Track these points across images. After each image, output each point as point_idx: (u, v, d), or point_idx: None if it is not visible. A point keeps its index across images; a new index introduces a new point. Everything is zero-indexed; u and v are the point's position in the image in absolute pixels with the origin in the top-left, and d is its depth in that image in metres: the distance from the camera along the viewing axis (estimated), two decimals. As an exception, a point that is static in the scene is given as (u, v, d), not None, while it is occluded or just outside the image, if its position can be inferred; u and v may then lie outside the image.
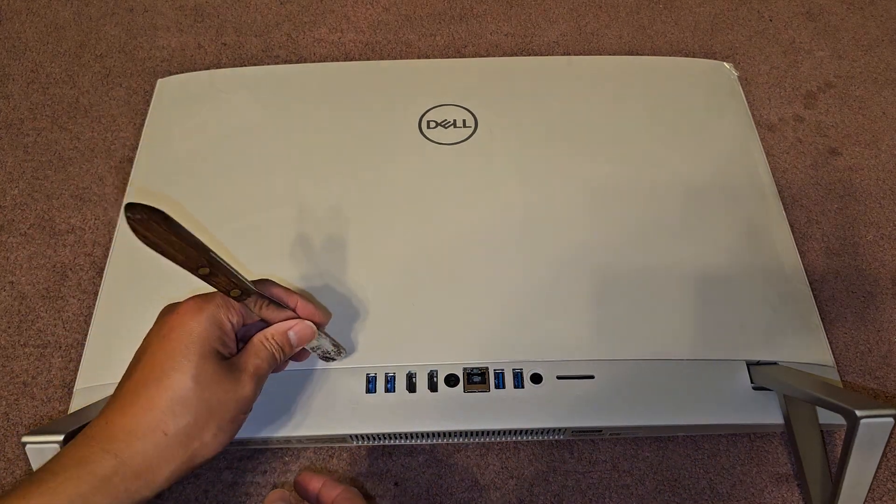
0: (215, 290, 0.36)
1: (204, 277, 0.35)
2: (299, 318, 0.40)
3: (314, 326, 0.41)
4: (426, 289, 0.49)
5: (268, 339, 0.39)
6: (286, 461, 0.48)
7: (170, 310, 0.38)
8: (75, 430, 0.38)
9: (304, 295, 0.43)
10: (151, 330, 0.38)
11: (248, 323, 0.40)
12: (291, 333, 0.40)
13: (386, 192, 0.54)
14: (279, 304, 0.40)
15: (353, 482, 0.47)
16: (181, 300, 0.39)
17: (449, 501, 0.46)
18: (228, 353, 0.38)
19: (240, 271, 0.36)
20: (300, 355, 0.43)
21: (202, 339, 0.35)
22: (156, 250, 0.32)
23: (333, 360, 0.45)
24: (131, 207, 0.29)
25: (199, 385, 0.34)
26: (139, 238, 0.31)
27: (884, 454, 0.39)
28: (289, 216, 0.53)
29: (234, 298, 0.37)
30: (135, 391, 0.34)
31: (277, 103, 0.61)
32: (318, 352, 0.44)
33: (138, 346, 0.38)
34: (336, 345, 0.44)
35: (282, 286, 0.41)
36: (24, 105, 0.67)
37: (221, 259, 0.35)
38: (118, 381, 0.45)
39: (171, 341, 0.35)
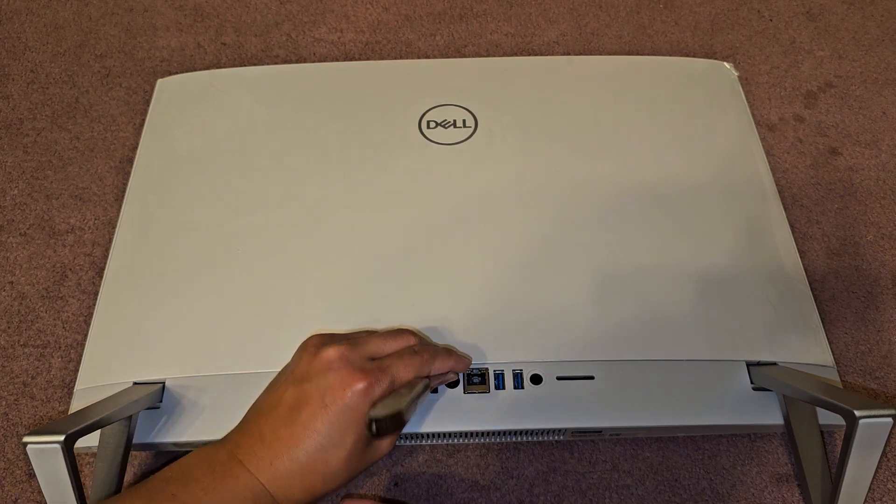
0: (386, 357, 0.40)
1: None
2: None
3: (456, 373, 0.44)
4: (425, 289, 0.49)
5: None
6: (286, 461, 0.48)
7: (339, 376, 0.38)
8: (76, 430, 0.38)
9: (450, 349, 0.45)
10: (314, 378, 0.38)
11: None
12: (435, 381, 0.43)
13: (386, 192, 0.54)
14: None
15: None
16: (351, 348, 0.39)
17: (449, 502, 0.46)
18: None
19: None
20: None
21: (361, 424, 0.37)
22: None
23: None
24: (377, 426, 0.35)
25: (349, 462, 0.38)
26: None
27: (883, 454, 0.40)
28: (288, 216, 0.53)
29: None
30: (294, 447, 0.37)
31: (277, 103, 0.61)
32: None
33: (297, 365, 0.39)
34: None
35: (446, 351, 0.44)
36: (24, 105, 0.67)
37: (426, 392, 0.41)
38: (118, 381, 0.46)
39: (332, 416, 0.37)
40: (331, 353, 0.39)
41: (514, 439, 0.48)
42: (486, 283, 0.49)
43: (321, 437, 0.36)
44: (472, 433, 0.46)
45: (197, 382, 0.45)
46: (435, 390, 0.45)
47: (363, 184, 0.55)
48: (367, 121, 0.59)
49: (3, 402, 0.51)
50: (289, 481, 0.36)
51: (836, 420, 0.39)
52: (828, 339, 0.49)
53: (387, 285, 0.49)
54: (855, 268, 0.57)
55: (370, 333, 0.43)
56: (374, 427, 0.35)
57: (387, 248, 0.51)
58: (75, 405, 0.46)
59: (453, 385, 0.45)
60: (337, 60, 0.71)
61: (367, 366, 0.38)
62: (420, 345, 0.42)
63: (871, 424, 0.37)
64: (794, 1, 0.76)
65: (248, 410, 0.40)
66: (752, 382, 0.45)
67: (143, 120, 0.61)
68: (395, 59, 0.71)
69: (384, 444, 0.40)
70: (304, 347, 0.40)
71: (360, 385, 0.37)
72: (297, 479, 0.36)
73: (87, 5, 0.75)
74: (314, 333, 0.41)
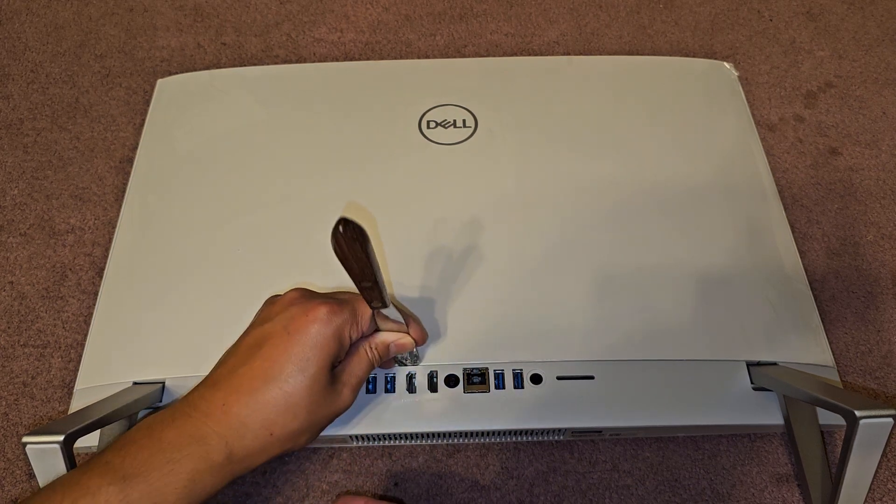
0: (345, 294, 0.38)
1: (361, 289, 0.36)
2: (405, 332, 0.42)
3: (413, 342, 0.42)
4: (425, 289, 0.49)
5: (371, 349, 0.41)
6: (286, 460, 0.48)
7: (301, 306, 0.37)
8: (75, 430, 0.38)
9: (414, 316, 0.45)
10: (275, 316, 0.38)
11: (364, 337, 0.41)
12: (392, 345, 0.42)
13: (386, 193, 0.54)
14: (397, 320, 0.42)
15: (351, 482, 0.47)
16: (309, 290, 0.39)
17: (449, 502, 0.46)
18: (338, 363, 0.39)
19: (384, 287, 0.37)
20: (387, 363, 0.45)
21: (324, 352, 0.37)
22: (341, 261, 0.33)
23: (405, 365, 0.46)
24: (345, 223, 0.30)
25: (311, 396, 0.36)
26: (335, 248, 0.32)
27: (884, 454, 0.39)
28: (288, 216, 0.53)
29: (372, 308, 0.38)
30: (251, 381, 0.35)
31: (277, 103, 0.61)
32: (399, 357, 0.45)
33: (258, 316, 0.39)
34: (416, 355, 0.45)
35: (401, 304, 0.44)
36: (24, 105, 0.67)
37: (382, 280, 0.36)
38: (118, 381, 0.46)
39: (295, 343, 0.36)
40: (291, 293, 0.39)
41: (513, 439, 0.48)
42: (486, 282, 0.49)
43: (282, 365, 0.35)
44: (472, 433, 0.46)
45: (196, 383, 0.45)
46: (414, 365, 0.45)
47: (363, 184, 0.55)
48: (367, 121, 0.59)
49: (3, 402, 0.51)
50: (243, 420, 0.34)
51: (836, 420, 0.39)
52: (828, 339, 0.49)
53: (386, 284, 0.49)
54: (855, 268, 0.57)
55: None
56: (340, 227, 0.31)
57: (386, 248, 0.51)
58: (75, 405, 0.46)
59: (453, 383, 0.45)
60: (337, 60, 0.71)
61: (328, 298, 0.38)
62: None
63: (872, 424, 0.37)
64: (794, 1, 0.76)
65: None
66: (752, 382, 0.45)
67: (143, 120, 0.61)
68: (395, 59, 0.71)
69: (346, 392, 0.39)
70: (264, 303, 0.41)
71: (323, 309, 0.37)
72: (255, 416, 0.35)
73: (87, 5, 0.75)
74: None
